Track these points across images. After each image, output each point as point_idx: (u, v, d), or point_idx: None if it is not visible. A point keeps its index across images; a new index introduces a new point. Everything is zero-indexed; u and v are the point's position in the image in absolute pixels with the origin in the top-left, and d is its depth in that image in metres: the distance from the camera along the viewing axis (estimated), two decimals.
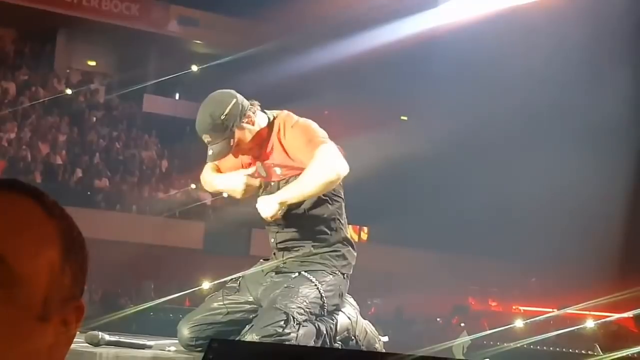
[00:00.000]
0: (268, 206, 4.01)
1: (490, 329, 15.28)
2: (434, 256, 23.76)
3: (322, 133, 4.11)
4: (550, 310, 22.05)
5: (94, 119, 25.31)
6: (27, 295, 0.98)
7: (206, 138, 4.10)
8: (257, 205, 4.08)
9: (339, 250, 4.25)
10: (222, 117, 4.05)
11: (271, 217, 4.03)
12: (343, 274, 4.25)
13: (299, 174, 4.07)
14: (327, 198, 4.19)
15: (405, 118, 28.98)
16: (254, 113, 4.15)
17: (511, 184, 21.99)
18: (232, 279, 4.38)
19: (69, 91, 25.21)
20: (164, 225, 22.55)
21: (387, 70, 24.41)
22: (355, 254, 4.34)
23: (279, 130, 4.17)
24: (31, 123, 23.46)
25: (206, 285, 18.71)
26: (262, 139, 4.18)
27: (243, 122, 4.10)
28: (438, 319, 20.54)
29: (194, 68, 25.04)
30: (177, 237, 22.35)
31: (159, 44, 27.43)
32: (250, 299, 4.26)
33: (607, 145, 20.95)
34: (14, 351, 0.97)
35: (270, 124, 4.20)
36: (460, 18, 23.88)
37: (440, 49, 23.31)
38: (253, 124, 4.14)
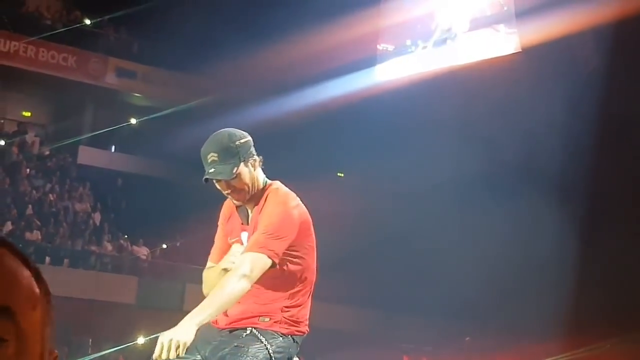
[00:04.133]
0: (188, 333, 3.81)
1: None
2: (369, 314, 23.75)
3: (285, 230, 4.06)
4: None
5: (28, 170, 24.94)
6: (30, 349, 0.96)
7: (212, 157, 4.07)
8: (173, 335, 3.81)
9: (297, 317, 4.22)
10: (237, 143, 4.10)
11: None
12: (293, 338, 4.21)
13: None
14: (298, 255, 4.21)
15: (342, 175, 29.12)
16: (259, 162, 4.20)
17: (448, 243, 22.16)
18: None
19: (1, 142, 24.86)
20: (96, 280, 22.21)
21: (325, 126, 24.57)
22: (308, 328, 4.31)
23: (266, 200, 4.19)
24: None
25: (141, 340, 18.46)
26: (255, 196, 4.20)
27: (250, 160, 4.13)
28: None
29: (133, 121, 24.92)
30: (110, 292, 22.01)
31: (96, 96, 27.24)
32: (199, 357, 4.18)
33: (550, 204, 21.25)
34: None
35: (265, 188, 4.23)
36: (399, 77, 24.25)
37: (379, 107, 23.57)
38: (255, 169, 4.17)
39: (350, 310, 23.97)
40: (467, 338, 23.88)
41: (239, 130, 4.22)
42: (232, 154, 4.09)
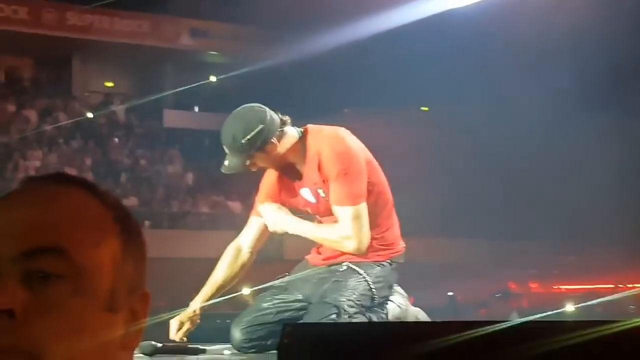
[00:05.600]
0: (280, 224, 4.12)
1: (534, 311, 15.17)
2: (471, 244, 23.63)
3: (355, 167, 4.00)
4: (591, 286, 21.89)
5: (117, 139, 25.40)
6: (93, 286, 0.96)
7: (226, 148, 4.06)
8: (272, 216, 4.12)
9: (387, 240, 4.18)
10: (243, 141, 3.98)
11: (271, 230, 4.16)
12: (391, 265, 4.18)
13: None
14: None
15: (427, 109, 28.84)
16: (282, 132, 4.05)
17: (545, 166, 21.86)
18: (279, 278, 4.33)
19: (90, 114, 25.31)
20: (196, 238, 22.57)
21: (407, 60, 24.24)
22: (403, 244, 4.27)
23: (309, 146, 4.07)
24: (56, 149, 23.57)
25: (246, 291, 18.76)
26: (295, 149, 4.09)
27: (266, 146, 4.01)
28: (484, 304, 20.45)
29: (213, 79, 25.06)
30: (211, 249, 22.35)
31: (174, 59, 27.48)
32: (300, 296, 4.20)
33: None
34: (86, 343, 0.94)
35: (302, 138, 4.10)
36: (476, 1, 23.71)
37: (455, 34, 23.10)
38: (276, 149, 4.04)
39: (452, 243, 23.85)
40: (572, 257, 23.63)
41: (251, 117, 4.05)
42: (240, 151, 4.00)
